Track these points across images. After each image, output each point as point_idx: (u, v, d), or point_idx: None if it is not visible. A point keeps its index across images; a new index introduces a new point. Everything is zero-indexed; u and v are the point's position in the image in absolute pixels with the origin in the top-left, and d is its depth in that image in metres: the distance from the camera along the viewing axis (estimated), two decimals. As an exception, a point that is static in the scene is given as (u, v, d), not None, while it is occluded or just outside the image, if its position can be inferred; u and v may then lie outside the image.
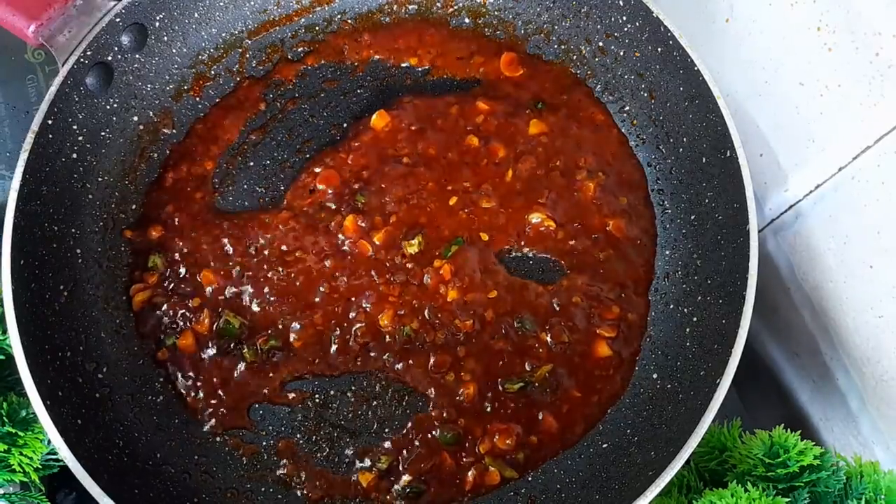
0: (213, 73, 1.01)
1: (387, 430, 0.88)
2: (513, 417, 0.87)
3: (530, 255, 0.93)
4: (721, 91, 0.85)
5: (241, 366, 0.89)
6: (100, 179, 0.94)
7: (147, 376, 0.89)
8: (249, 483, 0.86)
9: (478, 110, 0.98)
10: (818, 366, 0.95)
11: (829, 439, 0.97)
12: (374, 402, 0.89)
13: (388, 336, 0.90)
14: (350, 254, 0.92)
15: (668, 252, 0.93)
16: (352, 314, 0.91)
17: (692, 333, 0.87)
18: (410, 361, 0.89)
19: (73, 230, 0.90)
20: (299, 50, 1.03)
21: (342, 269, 0.92)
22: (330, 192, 0.95)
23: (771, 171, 0.91)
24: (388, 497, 0.85)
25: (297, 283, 0.92)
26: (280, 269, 0.92)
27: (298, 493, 0.86)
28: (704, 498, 0.78)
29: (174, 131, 0.99)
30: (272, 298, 0.91)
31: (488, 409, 0.87)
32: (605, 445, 0.86)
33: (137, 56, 0.95)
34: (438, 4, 1.03)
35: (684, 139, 0.92)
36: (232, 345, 0.90)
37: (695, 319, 0.87)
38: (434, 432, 0.87)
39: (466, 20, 1.03)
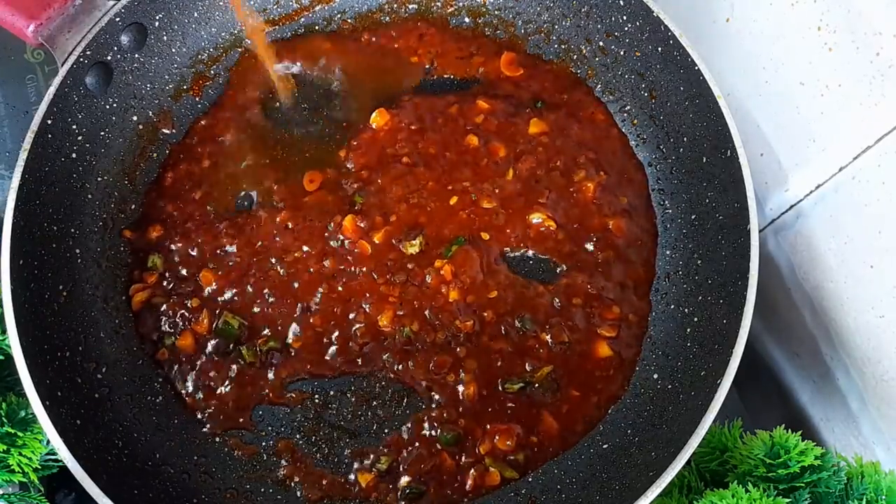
0: (212, 72, 1.01)
1: (387, 431, 0.87)
2: (513, 418, 0.87)
3: (530, 255, 0.93)
4: (721, 91, 0.85)
5: (241, 366, 0.89)
6: (99, 179, 0.94)
7: (146, 376, 0.89)
8: (249, 483, 0.86)
9: (478, 109, 0.98)
10: (819, 366, 0.95)
11: (830, 440, 0.97)
12: (374, 403, 0.88)
13: (387, 337, 0.90)
14: (350, 254, 0.92)
15: (668, 252, 0.93)
16: (351, 315, 0.90)
17: (693, 334, 0.87)
18: (410, 362, 0.89)
19: (73, 230, 0.90)
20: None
21: (341, 269, 0.92)
22: (329, 191, 0.95)
23: (771, 170, 0.91)
24: (388, 498, 0.85)
25: (297, 284, 0.91)
26: (279, 269, 0.92)
27: (298, 493, 0.86)
28: (705, 498, 0.78)
29: (174, 131, 0.99)
30: (271, 299, 0.91)
31: (488, 410, 0.87)
32: (605, 446, 0.86)
33: (137, 56, 0.95)
34: (438, 4, 1.03)
35: (685, 139, 0.92)
36: (231, 345, 0.90)
37: (695, 319, 0.87)
38: (434, 433, 0.87)
39: (466, 20, 1.03)
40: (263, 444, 0.87)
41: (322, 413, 0.88)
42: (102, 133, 0.94)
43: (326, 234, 0.93)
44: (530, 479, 0.86)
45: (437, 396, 0.88)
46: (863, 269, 0.82)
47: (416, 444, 0.86)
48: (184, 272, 0.92)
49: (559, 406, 0.88)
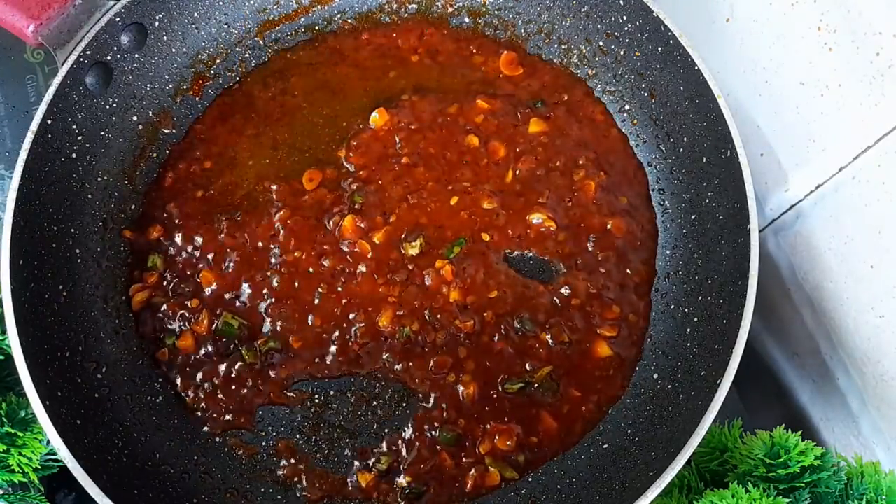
0: (212, 72, 1.01)
1: (387, 431, 0.87)
2: (513, 418, 0.87)
3: (531, 255, 0.93)
4: (721, 91, 0.85)
5: (241, 366, 0.89)
6: (99, 179, 0.94)
7: (146, 376, 0.89)
8: (249, 483, 0.86)
9: (478, 109, 0.98)
10: (819, 366, 0.95)
11: (830, 439, 0.97)
12: (374, 403, 0.88)
13: (387, 337, 0.90)
14: (349, 254, 0.92)
15: (668, 252, 0.93)
16: (351, 315, 0.90)
17: (693, 333, 0.87)
18: (410, 362, 0.89)
19: (73, 230, 0.90)
20: (299, 49, 1.03)
21: (341, 269, 0.92)
22: (329, 190, 0.95)
23: (771, 170, 0.91)
24: (388, 498, 0.85)
25: (296, 284, 0.91)
26: (280, 269, 0.92)
27: (298, 493, 0.86)
28: (705, 498, 0.78)
29: (174, 131, 0.99)
30: (271, 299, 0.91)
31: (488, 410, 0.87)
32: (605, 446, 0.86)
33: (137, 56, 0.95)
34: (439, 4, 1.03)
35: (685, 139, 0.92)
36: (231, 346, 0.90)
37: (695, 319, 0.87)
38: (434, 433, 0.87)
39: (466, 20, 1.03)
40: (263, 444, 0.87)
41: (322, 413, 0.88)
42: (102, 133, 0.94)
43: (326, 235, 0.93)
44: (530, 479, 0.86)
45: (437, 396, 0.88)
46: (863, 269, 0.82)
47: (416, 444, 0.86)
48: (184, 272, 0.93)
49: (559, 406, 0.88)
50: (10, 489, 0.85)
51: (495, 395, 0.88)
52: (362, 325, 0.90)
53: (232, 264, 0.92)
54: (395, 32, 1.03)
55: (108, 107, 0.94)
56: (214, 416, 0.88)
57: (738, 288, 0.80)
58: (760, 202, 0.94)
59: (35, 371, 0.77)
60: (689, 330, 0.88)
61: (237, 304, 0.91)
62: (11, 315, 0.78)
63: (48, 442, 0.82)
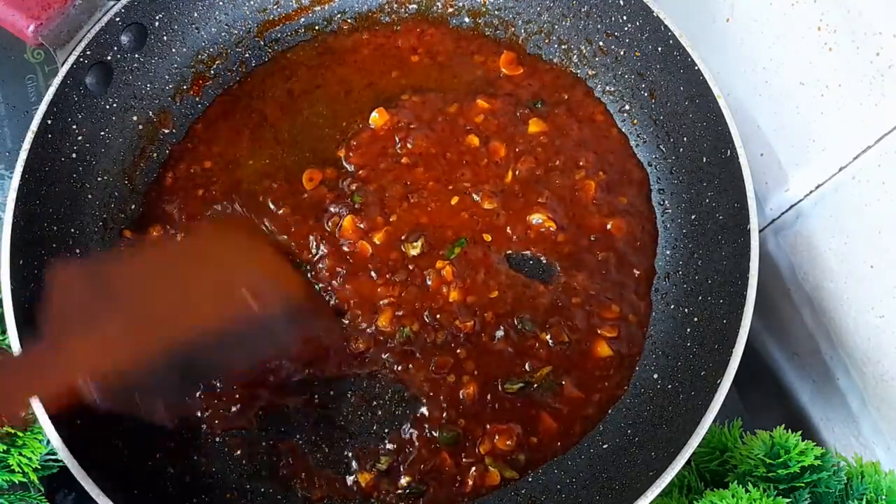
0: (212, 72, 1.01)
1: (387, 431, 0.87)
2: (513, 418, 0.87)
3: (530, 255, 0.93)
4: (721, 91, 0.85)
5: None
6: (99, 179, 0.94)
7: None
8: (249, 483, 0.86)
9: (478, 109, 0.98)
10: (819, 366, 0.95)
11: (830, 440, 0.97)
12: (374, 403, 0.88)
13: (387, 337, 0.90)
14: (350, 254, 0.92)
15: (668, 252, 0.93)
16: (351, 315, 0.90)
17: (693, 333, 0.87)
18: (410, 363, 0.89)
19: (73, 230, 0.90)
20: (299, 50, 1.03)
21: (341, 269, 0.92)
22: (329, 189, 0.95)
23: (771, 170, 0.91)
24: (388, 498, 0.85)
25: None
26: (280, 269, 0.92)
27: (298, 493, 0.86)
28: (705, 498, 0.78)
29: (174, 131, 0.99)
30: (272, 298, 0.91)
31: (488, 410, 0.87)
32: (605, 446, 0.86)
33: (137, 56, 0.95)
34: (439, 4, 1.03)
35: (685, 139, 0.92)
36: (232, 345, 0.90)
37: (695, 319, 0.87)
38: (434, 433, 0.87)
39: (466, 20, 1.03)
40: (264, 443, 0.87)
41: (322, 413, 0.88)
42: (102, 133, 0.94)
43: (325, 235, 0.93)
44: (530, 479, 0.86)
45: (437, 397, 0.88)
46: (863, 269, 0.82)
47: (416, 444, 0.86)
48: (184, 272, 0.93)
49: (559, 406, 0.88)
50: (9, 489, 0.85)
51: (495, 396, 0.88)
52: (363, 325, 0.90)
53: (232, 264, 0.92)
54: (394, 33, 1.03)
55: (108, 107, 0.94)
56: (215, 415, 0.88)
57: (738, 288, 0.80)
58: (760, 202, 0.94)
59: (35, 371, 0.77)
60: (689, 330, 0.88)
61: (237, 304, 0.91)
62: (11, 315, 0.78)
63: (48, 442, 0.82)
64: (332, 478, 0.86)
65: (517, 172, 0.95)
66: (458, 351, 0.89)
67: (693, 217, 0.92)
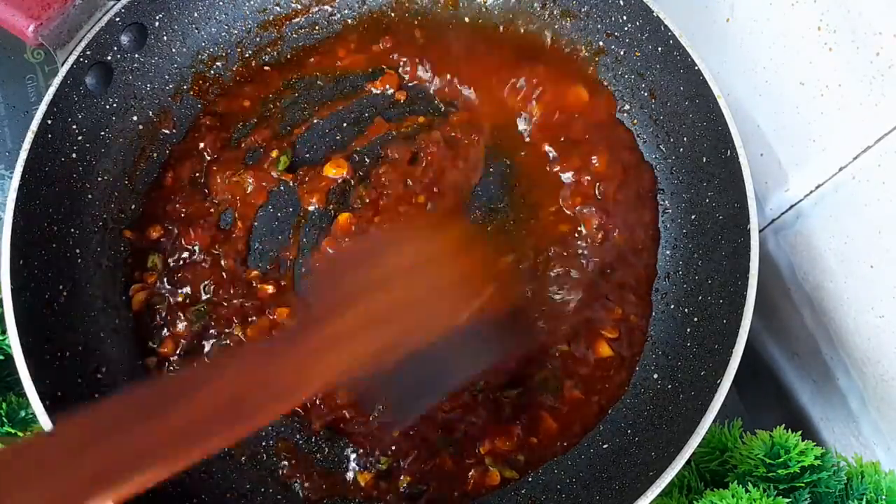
0: (212, 72, 1.01)
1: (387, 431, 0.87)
2: (513, 418, 0.87)
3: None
4: (721, 91, 0.85)
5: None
6: (99, 179, 0.94)
7: (146, 376, 0.89)
8: (249, 483, 0.86)
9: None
10: (819, 366, 0.95)
11: (830, 440, 0.97)
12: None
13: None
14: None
15: (668, 252, 0.93)
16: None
17: (693, 333, 0.87)
18: (410, 362, 0.89)
19: (73, 230, 0.90)
20: (299, 50, 1.03)
21: (342, 269, 0.92)
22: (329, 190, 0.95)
23: (771, 170, 0.91)
24: (388, 497, 0.85)
25: (297, 283, 0.92)
26: (280, 269, 0.92)
27: (298, 493, 0.86)
28: (705, 498, 0.78)
29: (174, 131, 0.99)
30: (272, 298, 0.91)
31: (489, 412, 0.87)
32: (605, 446, 0.86)
33: (137, 56, 0.95)
34: (439, 4, 1.03)
35: (685, 139, 0.92)
36: (232, 345, 0.90)
37: (695, 319, 0.87)
38: (434, 433, 0.86)
39: (466, 20, 1.03)
40: (264, 443, 0.87)
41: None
42: (102, 133, 0.94)
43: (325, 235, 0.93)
44: (530, 479, 0.86)
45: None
46: (863, 269, 0.82)
47: (416, 443, 0.86)
48: (184, 272, 0.93)
49: (559, 406, 0.88)
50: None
51: (495, 398, 0.87)
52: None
53: (232, 264, 0.93)
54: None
55: (108, 107, 0.94)
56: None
57: (738, 288, 0.80)
58: (760, 202, 0.94)
59: (35, 371, 0.77)
60: (689, 330, 0.88)
61: (237, 304, 0.91)
62: (11, 315, 0.78)
63: (48, 442, 0.82)
64: (331, 478, 0.86)
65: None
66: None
67: (693, 217, 0.92)
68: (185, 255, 0.93)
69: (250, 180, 0.94)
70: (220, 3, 1.00)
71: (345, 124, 0.99)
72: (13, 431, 0.81)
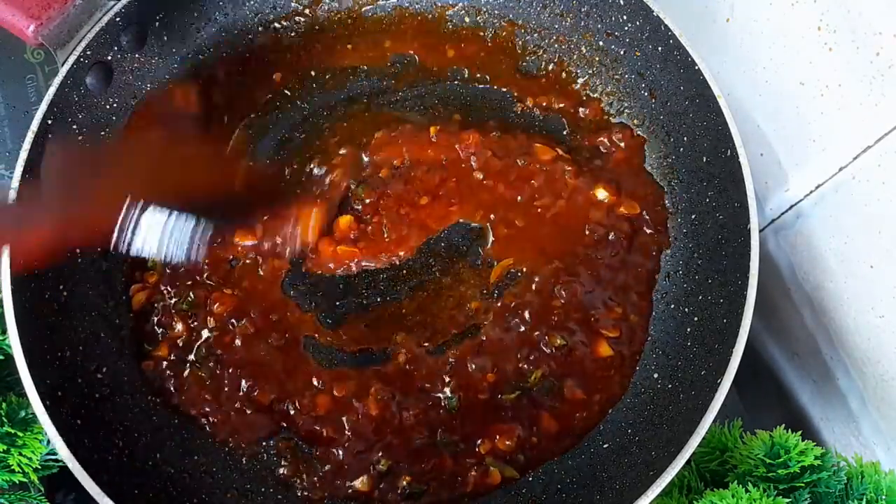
0: (212, 72, 1.01)
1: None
2: (514, 418, 0.87)
3: (530, 255, 0.93)
4: (721, 90, 0.85)
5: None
6: (99, 179, 0.94)
7: (146, 376, 0.89)
8: (249, 483, 0.86)
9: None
10: (819, 366, 0.95)
11: (830, 440, 0.97)
12: (375, 403, 0.88)
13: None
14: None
15: (668, 252, 0.93)
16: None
17: (693, 333, 0.87)
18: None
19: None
20: (299, 50, 1.03)
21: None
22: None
23: (772, 170, 0.91)
24: (388, 497, 0.85)
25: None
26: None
27: (298, 493, 0.86)
28: (705, 498, 0.78)
29: (174, 131, 0.99)
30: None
31: (488, 411, 0.87)
32: (605, 445, 0.86)
33: (137, 56, 0.95)
34: (439, 4, 1.03)
35: (685, 139, 0.92)
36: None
37: (696, 319, 0.87)
38: (434, 433, 0.86)
39: (466, 19, 1.03)
40: (264, 443, 0.87)
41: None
42: (102, 133, 0.94)
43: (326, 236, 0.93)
44: (530, 479, 0.86)
45: (436, 397, 0.87)
46: (863, 268, 0.82)
47: (417, 444, 0.86)
48: (184, 272, 0.93)
49: (560, 406, 0.88)
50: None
51: (494, 399, 0.87)
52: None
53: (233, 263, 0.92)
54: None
55: (108, 107, 0.94)
56: (215, 415, 0.88)
57: (738, 288, 0.80)
58: (760, 202, 0.94)
59: (35, 371, 0.77)
60: (689, 330, 0.88)
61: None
62: (11, 315, 0.78)
63: (48, 442, 0.82)
64: (332, 478, 0.86)
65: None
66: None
67: (693, 217, 0.92)
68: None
69: None
70: (220, 3, 1.00)
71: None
72: (13, 431, 0.81)
